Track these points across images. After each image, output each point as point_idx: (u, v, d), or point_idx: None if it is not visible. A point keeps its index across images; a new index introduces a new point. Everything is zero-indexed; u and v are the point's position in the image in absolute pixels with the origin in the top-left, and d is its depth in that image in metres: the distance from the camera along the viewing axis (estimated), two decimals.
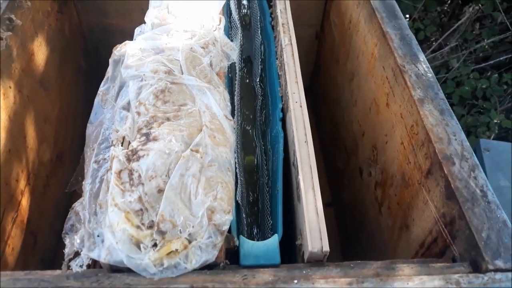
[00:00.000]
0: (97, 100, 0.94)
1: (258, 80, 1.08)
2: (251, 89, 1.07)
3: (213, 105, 0.80)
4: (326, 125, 1.59)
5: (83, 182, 0.80)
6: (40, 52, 1.20)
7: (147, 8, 1.50)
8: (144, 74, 0.82)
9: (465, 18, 2.88)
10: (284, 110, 0.94)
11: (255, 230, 0.87)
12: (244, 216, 0.86)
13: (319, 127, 1.66)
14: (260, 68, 1.10)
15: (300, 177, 0.74)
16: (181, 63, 0.85)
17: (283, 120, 0.93)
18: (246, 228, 0.86)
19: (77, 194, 1.34)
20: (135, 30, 1.00)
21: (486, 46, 2.83)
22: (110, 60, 0.92)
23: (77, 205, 0.80)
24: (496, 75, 2.63)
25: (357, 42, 1.18)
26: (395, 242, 0.96)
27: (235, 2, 1.22)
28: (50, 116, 1.25)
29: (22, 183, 1.07)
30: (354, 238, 1.25)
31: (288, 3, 1.12)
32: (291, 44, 1.00)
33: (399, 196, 0.93)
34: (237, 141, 0.92)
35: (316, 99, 1.69)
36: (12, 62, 1.04)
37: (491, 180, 1.75)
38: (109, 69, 0.93)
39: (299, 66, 0.95)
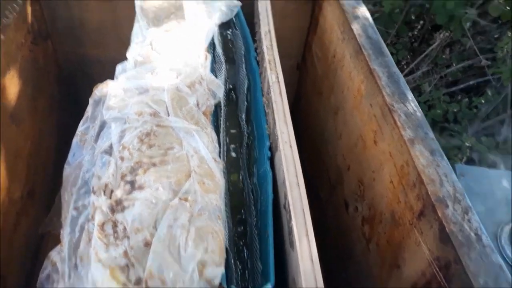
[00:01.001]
0: (75, 140, 0.90)
1: (243, 115, 1.06)
2: (236, 126, 1.05)
3: (201, 148, 0.77)
4: (308, 154, 1.57)
5: (62, 232, 0.74)
6: (11, 85, 1.14)
7: (125, 38, 1.47)
8: (128, 117, 0.78)
9: (436, 44, 2.97)
10: (272, 149, 0.91)
11: (246, 276, 0.83)
12: (232, 261, 0.82)
13: (300, 155, 1.65)
14: (245, 104, 1.08)
15: (294, 223, 0.71)
16: (167, 104, 0.82)
17: (271, 160, 0.91)
18: (235, 275, 0.81)
19: (49, 234, 1.28)
20: (117, 67, 0.97)
21: (456, 71, 2.92)
22: (90, 100, 0.88)
23: (53, 255, 0.75)
24: (466, 99, 2.72)
25: (342, 77, 1.18)
26: (385, 281, 0.94)
27: (218, 36, 1.20)
28: (21, 151, 1.18)
29: None
30: (339, 273, 1.23)
31: (274, 39, 1.11)
32: (279, 81, 0.99)
33: (389, 234, 0.91)
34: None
35: (297, 127, 1.68)
36: None
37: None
38: (89, 109, 0.89)
39: (287, 104, 0.93)
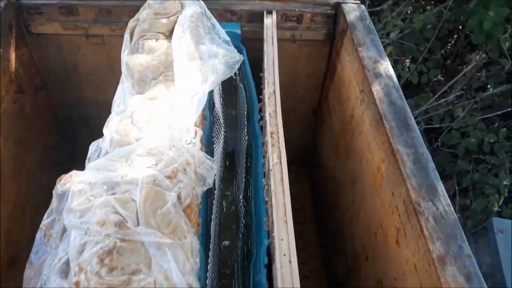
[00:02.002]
0: (39, 235, 0.77)
1: (241, 196, 0.91)
2: (232, 208, 0.90)
3: (174, 273, 0.62)
4: (322, 202, 1.41)
5: None
6: None
7: (119, 79, 1.34)
8: (88, 228, 0.64)
9: (471, 66, 2.75)
10: (270, 254, 0.75)
11: None
12: None
13: (316, 199, 1.48)
14: (243, 181, 0.93)
15: None
16: (138, 208, 0.67)
17: (269, 267, 0.75)
18: None
19: None
20: (90, 146, 0.83)
21: (493, 95, 2.70)
22: (54, 193, 0.74)
23: None
24: (504, 128, 2.49)
25: (360, 144, 1.01)
26: None
27: (219, 92, 1.05)
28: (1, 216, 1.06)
29: None
30: None
31: (279, 103, 0.94)
32: (281, 163, 0.83)
33: None
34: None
35: (314, 173, 1.52)
36: None
37: (505, 265, 1.58)
38: (54, 200, 0.75)
39: (289, 196, 0.77)
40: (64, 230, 0.74)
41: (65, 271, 0.65)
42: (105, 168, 0.73)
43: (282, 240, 0.71)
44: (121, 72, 1.30)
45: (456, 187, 2.35)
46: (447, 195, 0.77)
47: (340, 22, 1.21)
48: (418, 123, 2.50)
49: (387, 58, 1.05)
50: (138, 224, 0.66)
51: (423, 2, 2.98)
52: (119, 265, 0.62)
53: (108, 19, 1.21)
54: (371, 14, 2.72)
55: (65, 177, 0.73)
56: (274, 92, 0.97)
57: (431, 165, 0.81)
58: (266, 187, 0.84)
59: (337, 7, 1.22)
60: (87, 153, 1.45)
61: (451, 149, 2.50)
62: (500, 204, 2.25)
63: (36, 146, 1.29)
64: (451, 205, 0.75)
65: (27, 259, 1.18)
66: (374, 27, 1.15)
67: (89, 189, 0.70)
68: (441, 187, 0.78)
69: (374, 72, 1.00)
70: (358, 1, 1.22)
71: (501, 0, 2.09)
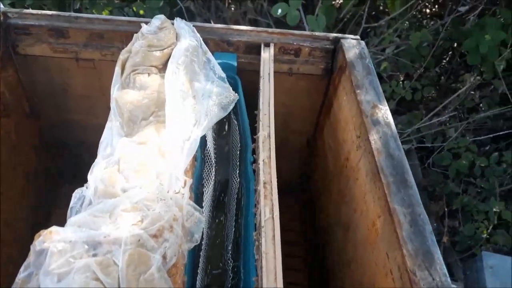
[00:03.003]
0: None
1: (230, 250, 0.87)
2: (221, 263, 0.86)
3: None
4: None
5: None
6: None
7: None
8: None
9: (466, 87, 2.75)
10: None
11: None
12: None
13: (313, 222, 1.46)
14: (233, 231, 0.89)
15: None
16: (120, 274, 0.63)
17: None
18: None
19: None
20: (74, 194, 0.78)
21: (485, 117, 2.70)
22: (32, 248, 0.70)
23: None
24: (496, 153, 2.49)
25: (355, 193, 0.98)
26: None
27: (212, 130, 1.01)
28: None
29: None
30: None
31: (274, 149, 0.91)
32: (273, 217, 0.79)
33: None
34: None
35: (307, 202, 1.49)
36: None
37: None
38: (31, 255, 0.71)
39: (280, 259, 0.74)
40: None
41: None
42: (87, 225, 0.69)
43: None
44: None
45: (446, 209, 2.35)
46: (443, 263, 0.74)
47: (339, 58, 1.18)
48: (410, 141, 2.50)
49: (385, 103, 1.02)
50: None
51: (420, 17, 2.98)
52: None
53: (99, 44, 1.16)
54: (368, 29, 2.70)
55: (43, 233, 0.68)
56: (269, 135, 0.94)
57: (428, 228, 0.78)
58: (256, 242, 0.81)
59: (337, 42, 1.18)
60: (74, 174, 1.40)
61: (442, 169, 2.50)
62: (489, 231, 2.25)
63: (22, 173, 1.24)
64: (447, 275, 0.72)
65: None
66: (373, 67, 1.12)
67: (69, 249, 0.66)
68: (437, 254, 0.75)
69: (372, 119, 0.97)
70: (358, 37, 1.19)
71: (498, 23, 2.08)
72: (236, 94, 0.99)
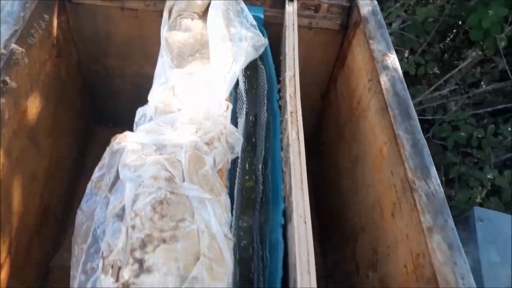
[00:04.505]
0: (90, 186, 0.89)
1: (260, 166, 1.04)
2: (252, 175, 1.03)
3: (213, 223, 0.76)
4: (322, 186, 1.55)
5: None
6: (33, 106, 1.13)
7: (150, 54, 1.45)
8: (143, 181, 0.77)
9: (467, 62, 2.88)
10: (287, 216, 0.89)
11: None
12: None
13: (315, 181, 1.62)
14: (263, 153, 1.06)
15: None
16: (183, 167, 0.80)
17: (285, 227, 0.89)
18: None
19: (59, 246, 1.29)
20: (137, 112, 0.95)
21: (485, 92, 2.83)
22: (107, 150, 0.86)
23: None
24: (493, 125, 2.63)
25: (365, 129, 1.14)
26: None
27: (243, 72, 1.17)
28: (38, 172, 1.19)
29: (3, 256, 1.01)
30: None
31: (298, 86, 1.07)
32: (299, 139, 0.96)
33: None
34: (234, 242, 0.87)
35: (316, 156, 1.65)
36: (2, 127, 0.98)
37: (483, 254, 1.71)
38: (106, 156, 0.88)
39: (305, 168, 0.91)
40: (114, 183, 0.87)
41: (120, 216, 0.78)
42: (154, 132, 0.85)
43: (298, 204, 0.85)
44: (151, 46, 1.41)
45: (443, 178, 2.49)
46: (438, 177, 0.91)
47: (354, 14, 1.32)
48: None
49: (394, 52, 1.17)
50: (184, 181, 0.79)
51: None
52: (168, 213, 0.75)
53: None
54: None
55: (119, 137, 0.85)
56: (294, 75, 1.10)
57: (426, 150, 0.95)
58: (284, 159, 0.98)
59: (352, 0, 1.33)
60: (109, 119, 1.58)
61: (441, 141, 2.63)
62: (482, 196, 2.41)
63: (68, 109, 1.40)
64: (440, 186, 0.89)
65: (56, 208, 1.32)
66: (384, 22, 1.27)
67: (141, 149, 0.83)
68: (433, 170, 0.92)
69: (382, 64, 1.12)
70: None
71: (502, 0, 2.20)
72: (266, 39, 1.14)
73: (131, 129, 0.90)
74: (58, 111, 1.30)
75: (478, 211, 1.82)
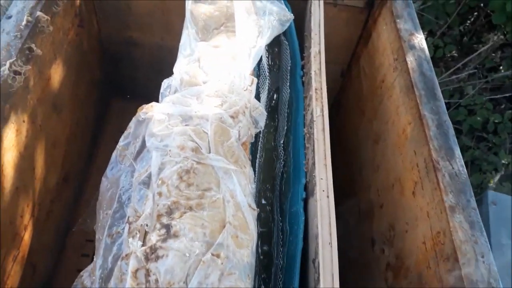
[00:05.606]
0: (115, 154, 0.90)
1: (282, 141, 1.04)
2: (273, 151, 1.03)
3: (238, 193, 0.76)
4: (340, 163, 1.55)
5: (95, 258, 0.77)
6: (56, 74, 1.14)
7: (171, 26, 1.44)
8: (170, 150, 0.78)
9: (488, 46, 2.83)
10: (308, 191, 0.90)
11: None
12: None
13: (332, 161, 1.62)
14: (285, 129, 1.06)
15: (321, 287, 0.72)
16: (209, 138, 0.81)
17: (306, 200, 0.90)
18: None
19: (79, 212, 1.32)
20: (163, 83, 0.95)
21: (504, 77, 2.79)
22: (134, 119, 0.87)
23: (85, 276, 0.78)
24: (511, 111, 2.60)
25: (388, 107, 1.14)
26: None
27: (266, 47, 1.16)
28: (59, 139, 1.20)
29: (27, 218, 1.03)
30: None
31: (324, 62, 1.06)
32: (323, 115, 0.96)
33: None
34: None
35: (333, 134, 1.65)
36: (28, 94, 0.99)
37: (494, 237, 1.73)
38: (131, 125, 0.88)
39: (329, 143, 0.91)
40: (139, 152, 0.88)
41: (146, 183, 0.79)
42: (180, 103, 0.86)
43: (321, 179, 0.86)
44: (172, 19, 1.41)
45: None
46: (461, 158, 0.91)
47: None
48: None
49: (421, 32, 1.15)
50: (210, 152, 0.80)
51: None
52: (194, 182, 0.76)
53: None
54: None
55: (146, 107, 0.86)
56: (320, 52, 1.09)
57: (451, 131, 0.94)
58: (307, 135, 0.98)
59: None
60: (127, 91, 1.58)
61: (456, 125, 2.62)
62: (495, 181, 2.41)
63: (87, 79, 1.40)
64: (464, 167, 0.89)
65: (75, 175, 1.34)
66: (412, 1, 1.24)
67: (167, 119, 0.83)
68: (457, 151, 0.91)
69: (409, 44, 1.11)
70: None
71: None
72: (292, 14, 1.13)
73: (148, 102, 0.90)
74: (79, 80, 1.31)
75: (491, 194, 1.82)
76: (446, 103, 2.70)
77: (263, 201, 0.97)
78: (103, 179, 0.90)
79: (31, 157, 1.03)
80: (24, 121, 0.98)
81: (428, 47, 2.84)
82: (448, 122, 0.96)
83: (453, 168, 0.88)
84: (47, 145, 1.11)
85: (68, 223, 1.31)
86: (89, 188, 1.42)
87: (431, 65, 1.07)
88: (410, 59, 1.07)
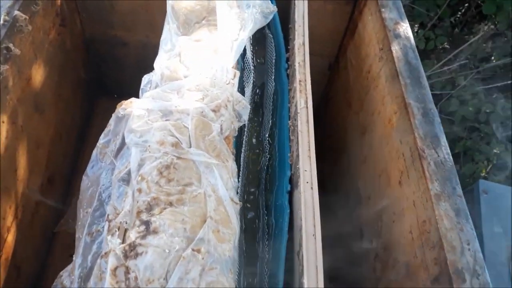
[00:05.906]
0: (95, 152, 0.89)
1: (267, 135, 1.03)
2: (258, 144, 1.02)
3: (220, 187, 0.75)
4: (328, 155, 1.55)
5: (74, 257, 0.75)
6: (37, 74, 1.12)
7: (155, 24, 1.43)
8: (149, 146, 0.76)
9: (478, 36, 2.82)
10: (293, 183, 0.89)
11: None
12: None
13: (320, 154, 1.61)
14: (270, 122, 1.05)
15: (305, 280, 0.70)
16: (190, 133, 0.79)
17: (291, 192, 0.89)
18: None
19: (64, 212, 1.31)
20: (143, 78, 0.94)
21: (495, 67, 2.79)
22: (113, 116, 0.86)
23: (64, 276, 0.76)
24: (502, 100, 2.60)
25: (375, 98, 1.13)
26: None
27: (250, 40, 1.14)
28: (43, 140, 1.18)
29: (9, 220, 1.02)
30: None
31: (308, 54, 1.05)
32: (307, 107, 0.94)
33: (401, 284, 0.89)
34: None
35: (322, 128, 1.64)
36: (7, 94, 0.97)
37: (485, 225, 1.72)
38: (111, 123, 0.87)
39: (313, 135, 0.90)
40: (119, 150, 0.87)
41: (126, 180, 0.78)
42: (160, 98, 0.84)
43: (306, 171, 0.84)
44: (156, 16, 1.39)
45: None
46: (448, 146, 0.90)
47: None
48: None
49: (407, 21, 1.14)
50: (190, 146, 0.78)
51: None
52: (175, 177, 0.75)
53: None
54: None
55: (125, 103, 0.84)
56: (304, 43, 1.08)
57: (437, 119, 0.93)
58: (292, 127, 0.96)
59: None
60: (113, 90, 1.56)
61: (448, 116, 2.61)
62: (487, 170, 2.40)
63: (71, 79, 1.39)
64: (450, 154, 0.88)
65: (61, 176, 1.32)
66: None
67: (147, 115, 0.82)
68: (443, 139, 0.90)
69: (394, 33, 1.10)
70: None
71: None
72: (275, 6, 1.12)
73: None
74: (63, 80, 1.30)
75: (482, 183, 1.81)
76: (438, 95, 2.69)
77: (248, 195, 0.96)
78: (84, 177, 0.89)
79: (12, 158, 1.02)
80: (3, 122, 0.96)
81: (420, 39, 2.83)
82: (434, 110, 0.95)
83: (438, 156, 0.87)
84: (30, 145, 1.10)
85: (55, 225, 1.29)
86: (76, 189, 1.40)
87: (417, 53, 1.06)
88: (395, 48, 1.06)
